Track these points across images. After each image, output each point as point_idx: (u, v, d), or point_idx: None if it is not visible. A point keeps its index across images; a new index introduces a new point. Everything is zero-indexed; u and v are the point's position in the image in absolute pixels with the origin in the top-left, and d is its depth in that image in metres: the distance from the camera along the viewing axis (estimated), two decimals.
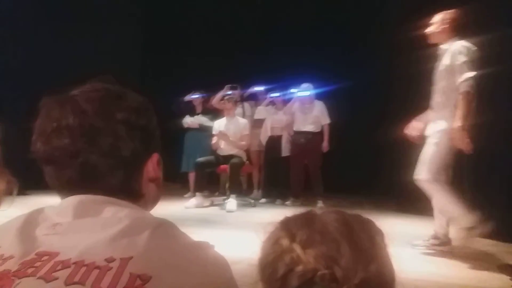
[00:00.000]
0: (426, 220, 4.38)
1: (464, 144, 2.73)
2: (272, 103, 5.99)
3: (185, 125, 6.04)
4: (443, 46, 2.94)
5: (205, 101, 6.06)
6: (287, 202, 5.41)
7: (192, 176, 5.76)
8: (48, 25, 5.81)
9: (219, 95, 5.84)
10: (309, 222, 0.60)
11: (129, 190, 0.71)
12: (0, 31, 5.32)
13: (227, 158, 5.31)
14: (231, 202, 4.98)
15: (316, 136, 5.44)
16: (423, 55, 3.26)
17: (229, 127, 5.41)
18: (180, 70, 6.70)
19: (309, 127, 5.43)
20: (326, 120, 5.43)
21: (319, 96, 5.49)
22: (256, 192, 5.98)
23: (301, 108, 5.47)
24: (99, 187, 0.68)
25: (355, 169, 6.01)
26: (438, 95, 2.95)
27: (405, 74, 4.64)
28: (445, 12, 2.96)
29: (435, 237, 3.11)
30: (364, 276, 0.54)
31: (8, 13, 5.46)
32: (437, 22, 2.96)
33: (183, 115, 6.07)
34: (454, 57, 2.81)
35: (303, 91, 5.40)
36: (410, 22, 3.30)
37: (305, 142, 5.39)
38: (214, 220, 4.29)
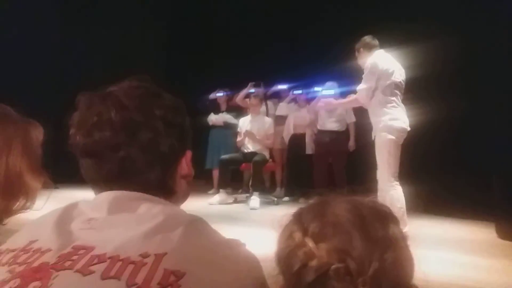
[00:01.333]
0: (454, 222, 4.29)
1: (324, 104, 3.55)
2: (295, 100, 5.96)
3: (210, 123, 6.10)
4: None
5: (230, 99, 6.10)
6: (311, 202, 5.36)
7: (216, 173, 5.80)
8: (75, 25, 5.96)
9: (243, 92, 5.87)
10: (321, 214, 0.60)
11: (164, 187, 0.72)
12: (31, 34, 5.49)
13: (250, 156, 5.33)
14: (254, 199, 4.99)
15: (341, 135, 5.37)
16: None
17: (254, 125, 5.42)
18: (205, 68, 6.75)
19: (334, 126, 5.37)
20: (351, 119, 5.36)
21: (343, 95, 5.41)
22: (279, 190, 5.97)
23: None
24: (136, 182, 0.69)
25: None
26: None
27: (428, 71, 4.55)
28: (361, 39, 3.63)
29: None
30: (379, 266, 0.54)
31: (37, 15, 5.62)
32: (356, 48, 3.66)
33: (208, 113, 6.13)
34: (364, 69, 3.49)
35: (328, 89, 5.33)
36: None
37: (330, 141, 5.33)
38: (238, 217, 4.31)
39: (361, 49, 3.60)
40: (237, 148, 5.58)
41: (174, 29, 7.45)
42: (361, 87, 3.45)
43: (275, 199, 5.51)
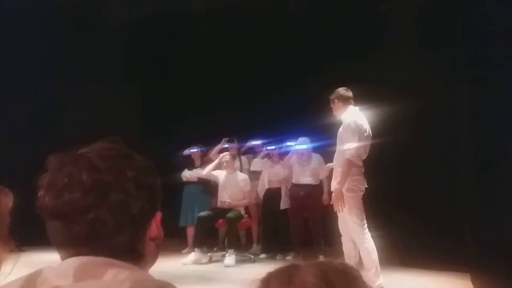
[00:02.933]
0: (431, 274, 4.27)
1: (337, 203, 3.35)
2: (268, 156, 6.02)
3: (184, 179, 6.04)
4: (341, 117, 3.59)
5: (204, 154, 6.12)
6: (288, 257, 5.26)
7: (190, 231, 5.66)
8: (50, 86, 5.95)
9: (217, 148, 5.92)
10: (289, 280, 0.60)
11: (133, 250, 0.71)
12: (5, 98, 5.45)
13: (224, 212, 5.27)
14: (229, 257, 4.87)
15: (315, 189, 5.41)
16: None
17: (229, 183, 5.44)
18: (179, 124, 6.80)
19: (308, 180, 5.43)
20: (324, 173, 5.43)
21: (316, 150, 5.54)
22: (255, 247, 5.83)
23: (299, 161, 5.50)
24: (104, 247, 0.67)
25: None
26: (336, 155, 3.62)
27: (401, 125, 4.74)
28: (336, 90, 3.65)
29: None
30: None
31: (15, 79, 5.61)
32: (331, 99, 3.67)
33: (182, 169, 6.09)
34: (344, 127, 3.47)
35: (301, 145, 5.45)
36: None
37: (305, 195, 5.36)
38: (213, 277, 4.16)
39: (336, 100, 3.65)
40: (211, 205, 5.53)
41: (148, 87, 7.56)
42: (349, 146, 3.41)
43: (252, 256, 5.37)
